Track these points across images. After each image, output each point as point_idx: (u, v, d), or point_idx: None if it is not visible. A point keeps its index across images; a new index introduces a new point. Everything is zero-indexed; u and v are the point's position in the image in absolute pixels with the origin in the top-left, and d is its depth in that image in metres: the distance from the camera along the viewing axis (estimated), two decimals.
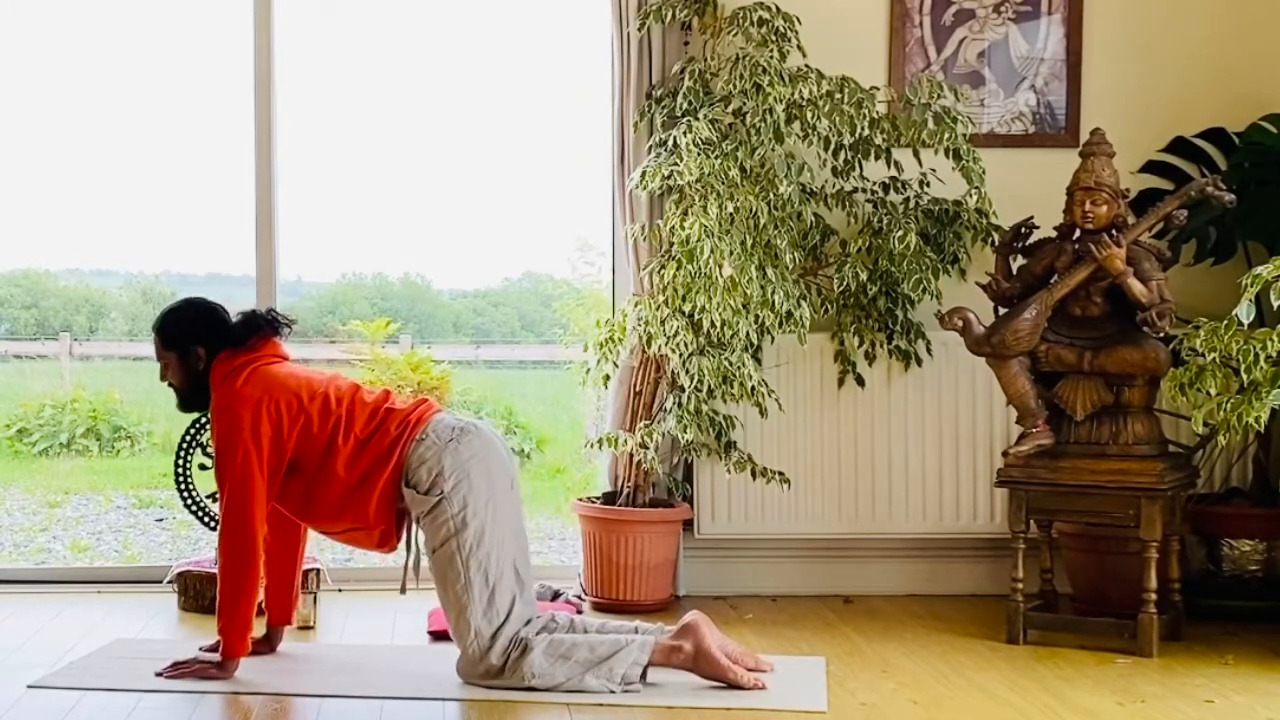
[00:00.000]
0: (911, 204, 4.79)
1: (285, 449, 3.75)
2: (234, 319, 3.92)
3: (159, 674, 3.76)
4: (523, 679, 3.61)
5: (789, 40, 4.64)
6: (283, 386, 3.78)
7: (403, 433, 3.77)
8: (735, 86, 4.53)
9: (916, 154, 4.72)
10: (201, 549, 5.63)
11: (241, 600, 3.73)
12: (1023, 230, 4.43)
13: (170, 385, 3.96)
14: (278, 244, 5.05)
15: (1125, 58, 5.04)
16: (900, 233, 4.59)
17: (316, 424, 3.76)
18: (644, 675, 3.64)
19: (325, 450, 3.76)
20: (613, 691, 3.59)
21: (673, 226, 4.51)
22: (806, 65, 4.60)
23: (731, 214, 4.44)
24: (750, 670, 3.71)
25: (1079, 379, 4.25)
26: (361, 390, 3.88)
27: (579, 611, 4.54)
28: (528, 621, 3.72)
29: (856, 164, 4.71)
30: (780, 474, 4.74)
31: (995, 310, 4.40)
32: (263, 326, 3.89)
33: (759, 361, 4.69)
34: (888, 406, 4.88)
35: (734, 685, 3.65)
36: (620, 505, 4.78)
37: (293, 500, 3.84)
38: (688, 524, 4.87)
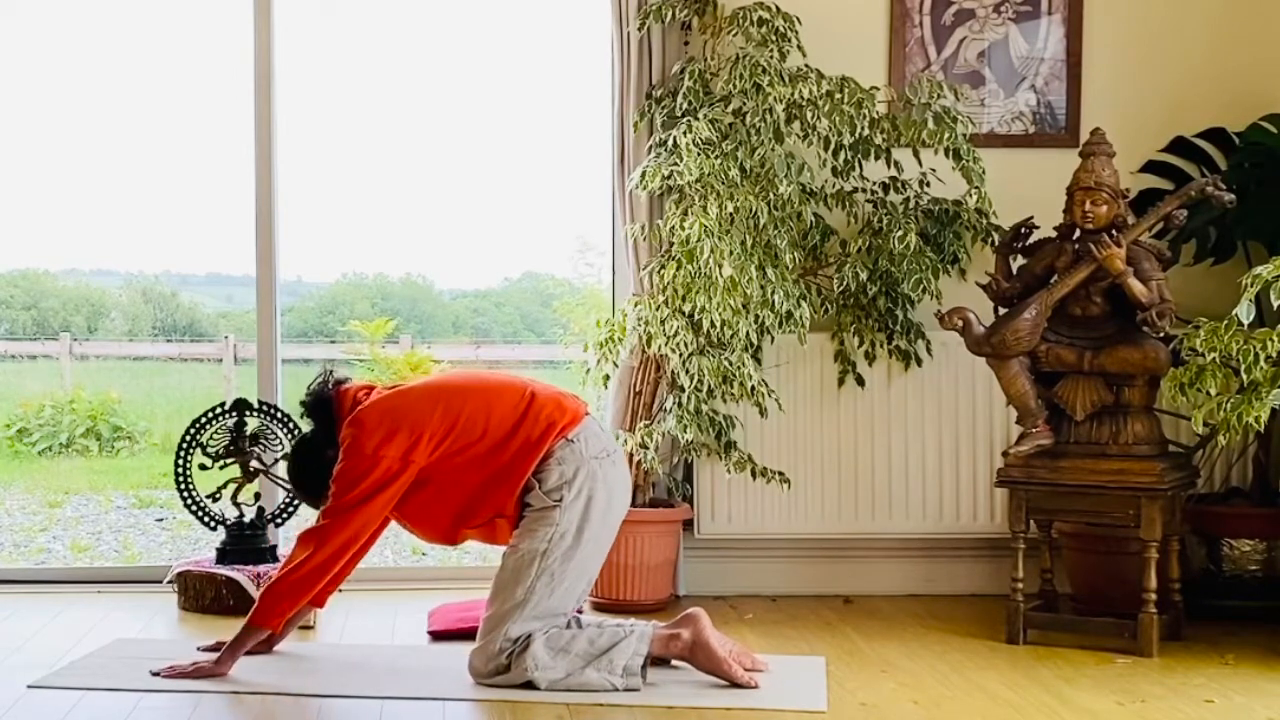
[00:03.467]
0: (911, 204, 4.79)
1: (413, 460, 3.69)
2: (310, 412, 3.89)
3: (155, 673, 3.75)
4: (525, 671, 3.61)
5: (789, 40, 4.64)
6: (394, 407, 3.76)
7: (555, 424, 3.73)
8: (735, 86, 4.53)
9: (916, 154, 4.72)
10: (201, 549, 5.63)
11: (300, 593, 3.75)
12: (1023, 230, 4.43)
13: None
14: (278, 244, 5.04)
15: (1125, 58, 5.04)
16: (900, 233, 4.59)
17: (445, 426, 3.71)
18: (644, 670, 3.64)
19: (465, 447, 3.71)
20: (614, 686, 3.59)
21: (673, 226, 4.52)
22: (806, 65, 4.60)
23: (731, 214, 4.43)
24: (747, 670, 3.71)
25: (1079, 379, 4.25)
26: (485, 375, 3.85)
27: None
28: None
29: (856, 164, 4.70)
30: (780, 474, 4.74)
31: (995, 310, 4.39)
32: (330, 386, 3.88)
33: (759, 361, 4.69)
34: (888, 406, 4.88)
35: (728, 679, 3.65)
36: None
37: (432, 514, 3.78)
38: (688, 524, 4.87)
